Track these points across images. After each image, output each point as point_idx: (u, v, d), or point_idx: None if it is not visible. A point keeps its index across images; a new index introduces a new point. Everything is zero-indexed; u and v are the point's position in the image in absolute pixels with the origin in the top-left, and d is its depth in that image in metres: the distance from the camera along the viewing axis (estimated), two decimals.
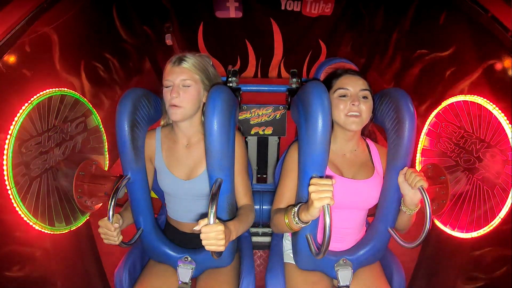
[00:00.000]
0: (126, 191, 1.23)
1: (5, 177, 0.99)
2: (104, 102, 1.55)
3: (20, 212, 1.04)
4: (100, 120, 1.45)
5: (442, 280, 1.36)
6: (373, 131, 1.39)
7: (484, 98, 1.12)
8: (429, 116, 1.38)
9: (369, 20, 2.19)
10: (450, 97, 1.28)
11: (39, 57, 1.14)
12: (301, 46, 2.53)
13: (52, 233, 1.17)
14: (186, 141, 1.27)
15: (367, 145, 1.31)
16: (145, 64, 2.15)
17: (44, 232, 1.14)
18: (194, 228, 0.99)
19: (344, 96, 1.17)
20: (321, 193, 0.93)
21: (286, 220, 1.08)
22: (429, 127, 1.39)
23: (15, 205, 1.03)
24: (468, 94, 1.20)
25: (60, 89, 1.21)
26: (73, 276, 1.35)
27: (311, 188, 0.95)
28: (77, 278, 1.37)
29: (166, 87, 1.18)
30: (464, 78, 1.24)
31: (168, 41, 2.61)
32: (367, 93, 1.18)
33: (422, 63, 1.56)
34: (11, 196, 1.01)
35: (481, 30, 1.14)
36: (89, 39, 1.46)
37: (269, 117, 1.82)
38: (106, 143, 1.49)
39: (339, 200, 1.15)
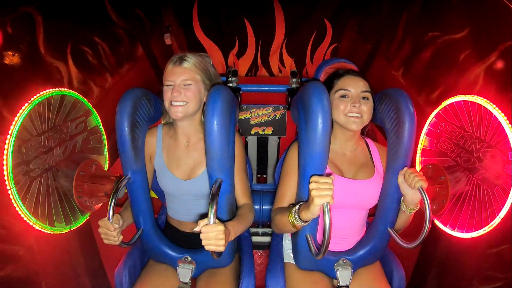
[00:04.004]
0: (126, 191, 1.23)
1: (5, 177, 0.99)
2: (93, 89, 1.47)
3: (20, 212, 1.04)
4: (100, 120, 1.44)
5: (443, 280, 1.36)
6: (373, 130, 1.39)
7: (484, 98, 1.12)
8: (429, 116, 1.38)
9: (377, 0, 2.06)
10: (465, 82, 1.21)
11: (22, 39, 1.06)
12: (305, 26, 2.35)
13: (52, 233, 1.17)
14: (186, 140, 1.27)
15: (367, 145, 1.31)
16: (138, 50, 2.04)
17: (44, 232, 1.14)
18: (194, 229, 0.99)
19: (344, 96, 1.18)
20: (322, 191, 0.94)
21: (291, 219, 1.07)
22: (429, 127, 1.39)
23: (15, 205, 1.03)
24: (481, 84, 1.12)
25: (60, 89, 1.21)
26: (72, 276, 1.35)
27: (311, 186, 0.95)
28: (76, 278, 1.37)
29: (167, 86, 1.19)
30: (480, 61, 1.17)
31: (168, 40, 2.60)
32: (368, 94, 1.19)
33: (434, 46, 1.47)
34: (11, 196, 1.01)
35: (499, 7, 1.05)
36: (76, 20, 1.37)
37: (269, 117, 1.82)
38: (106, 143, 1.49)
39: (340, 200, 1.15)
